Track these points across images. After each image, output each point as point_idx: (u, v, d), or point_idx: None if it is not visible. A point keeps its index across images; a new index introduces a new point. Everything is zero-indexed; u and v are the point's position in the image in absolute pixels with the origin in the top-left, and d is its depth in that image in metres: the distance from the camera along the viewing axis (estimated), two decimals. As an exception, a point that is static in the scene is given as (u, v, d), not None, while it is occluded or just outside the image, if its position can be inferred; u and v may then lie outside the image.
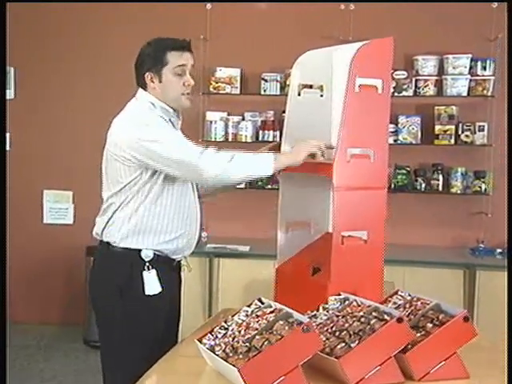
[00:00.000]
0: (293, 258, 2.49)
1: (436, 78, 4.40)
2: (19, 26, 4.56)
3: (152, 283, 2.35)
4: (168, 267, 2.43)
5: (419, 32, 4.43)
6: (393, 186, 4.38)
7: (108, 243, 2.39)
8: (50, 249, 4.93)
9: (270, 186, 4.50)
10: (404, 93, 4.39)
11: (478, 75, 4.36)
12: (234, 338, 1.85)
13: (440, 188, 4.43)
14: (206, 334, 1.93)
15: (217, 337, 1.91)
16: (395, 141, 4.38)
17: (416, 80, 4.40)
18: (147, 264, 2.35)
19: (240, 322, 1.92)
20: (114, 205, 2.37)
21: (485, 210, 4.44)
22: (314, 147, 2.25)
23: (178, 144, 2.30)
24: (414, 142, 4.45)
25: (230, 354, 1.79)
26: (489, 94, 4.37)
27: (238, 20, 4.64)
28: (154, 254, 2.37)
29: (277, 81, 4.53)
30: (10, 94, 4.78)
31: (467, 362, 1.87)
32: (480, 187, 4.40)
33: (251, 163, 2.28)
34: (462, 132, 4.39)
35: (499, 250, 4.31)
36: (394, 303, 2.05)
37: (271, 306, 1.95)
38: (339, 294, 2.08)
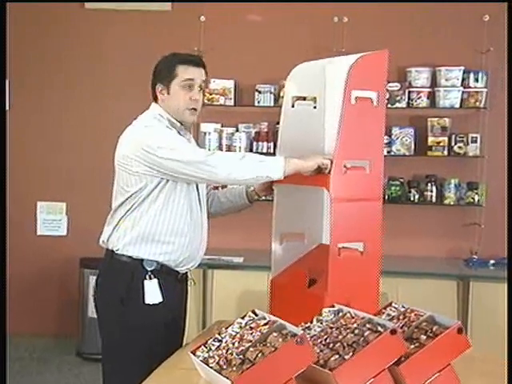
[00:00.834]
0: (288, 270, 2.49)
1: (429, 89, 4.43)
2: (12, 38, 4.56)
3: (152, 292, 2.37)
4: (173, 278, 2.44)
5: (412, 44, 4.47)
6: (386, 197, 4.39)
7: (112, 251, 2.42)
8: (43, 260, 4.92)
9: (264, 198, 4.48)
10: (397, 104, 4.41)
11: (470, 87, 4.39)
12: (227, 351, 1.84)
13: (433, 199, 4.45)
14: (200, 346, 1.93)
15: (210, 349, 1.90)
16: (389, 152, 4.39)
17: (409, 92, 4.43)
18: (149, 273, 2.36)
19: (234, 334, 1.92)
20: (120, 213, 2.41)
21: (478, 221, 4.45)
22: (325, 159, 2.24)
23: (186, 146, 2.34)
24: (407, 153, 4.46)
25: (224, 367, 1.78)
26: (481, 105, 4.39)
27: (232, 32, 4.67)
28: (158, 264, 2.38)
29: (270, 92, 4.54)
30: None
31: (461, 374, 1.87)
32: (473, 198, 4.41)
33: (262, 164, 2.27)
34: (455, 143, 4.41)
35: (493, 261, 4.32)
36: (388, 315, 2.05)
37: (265, 318, 1.94)
38: (333, 306, 2.08)
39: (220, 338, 1.93)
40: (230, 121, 4.65)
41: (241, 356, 1.78)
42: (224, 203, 2.65)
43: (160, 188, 2.35)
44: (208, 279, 4.28)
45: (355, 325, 1.91)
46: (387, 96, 4.30)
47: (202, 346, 1.92)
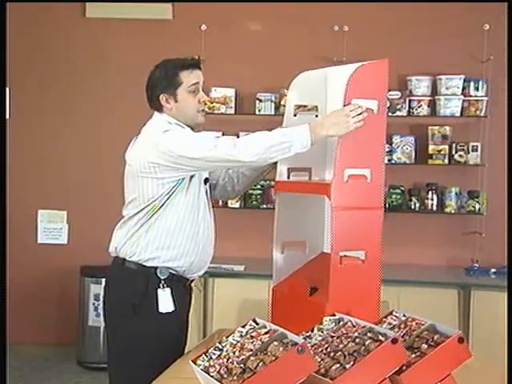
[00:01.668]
0: (289, 278, 2.49)
1: (429, 98, 4.44)
2: (13, 47, 4.57)
3: (166, 301, 2.37)
4: (182, 286, 2.46)
5: (412, 53, 4.48)
6: (387, 205, 4.39)
7: (124, 259, 2.42)
8: (44, 269, 4.91)
9: (265, 206, 4.51)
10: (398, 113, 4.41)
11: (470, 96, 4.40)
12: (228, 359, 1.84)
13: (434, 208, 4.45)
14: (201, 355, 1.92)
15: (211, 358, 1.90)
16: (389, 160, 4.39)
17: (410, 100, 4.44)
18: (162, 282, 2.37)
19: (234, 342, 1.91)
20: (134, 221, 2.40)
21: (479, 229, 4.45)
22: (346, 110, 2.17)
23: (204, 137, 2.33)
24: (408, 161, 4.47)
25: (225, 376, 1.77)
26: (482, 114, 4.40)
27: (233, 41, 4.68)
28: (170, 272, 2.39)
29: (271, 101, 4.55)
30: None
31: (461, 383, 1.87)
32: (474, 207, 4.41)
33: (286, 144, 2.20)
34: (456, 152, 4.42)
35: (493, 270, 4.31)
36: (389, 324, 2.04)
37: (266, 327, 1.94)
38: (334, 315, 2.08)
39: (221, 347, 1.92)
40: (231, 129, 4.65)
41: (242, 365, 1.77)
42: (249, 176, 2.60)
43: (171, 196, 2.35)
44: (209, 287, 4.27)
45: (356, 334, 1.91)
46: (388, 104, 4.30)
47: (203, 355, 1.92)
